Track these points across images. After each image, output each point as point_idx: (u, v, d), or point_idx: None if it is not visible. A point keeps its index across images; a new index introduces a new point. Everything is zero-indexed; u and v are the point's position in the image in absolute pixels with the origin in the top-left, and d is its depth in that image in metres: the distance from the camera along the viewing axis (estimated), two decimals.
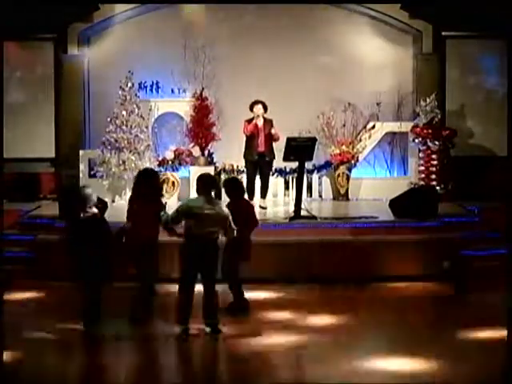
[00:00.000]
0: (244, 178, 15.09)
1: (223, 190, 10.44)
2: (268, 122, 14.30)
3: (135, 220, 9.63)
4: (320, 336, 9.18)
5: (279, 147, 13.91)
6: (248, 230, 10.08)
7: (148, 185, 9.78)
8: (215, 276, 9.30)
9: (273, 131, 14.22)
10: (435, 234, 12.71)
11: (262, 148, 14.24)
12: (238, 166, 16.23)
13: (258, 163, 14.40)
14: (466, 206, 14.54)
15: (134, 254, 9.61)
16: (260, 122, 14.25)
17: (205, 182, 9.41)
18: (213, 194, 9.49)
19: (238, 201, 10.21)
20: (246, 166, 14.80)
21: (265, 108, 14.33)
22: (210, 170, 15.87)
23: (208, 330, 9.18)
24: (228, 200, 10.23)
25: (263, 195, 14.69)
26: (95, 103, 17.12)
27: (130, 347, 8.92)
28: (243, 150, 14.48)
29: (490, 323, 9.33)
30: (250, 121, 14.32)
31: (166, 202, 10.23)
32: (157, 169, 16.05)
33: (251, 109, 14.34)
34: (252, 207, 10.71)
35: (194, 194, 15.55)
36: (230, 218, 9.38)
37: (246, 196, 11.04)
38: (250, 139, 14.29)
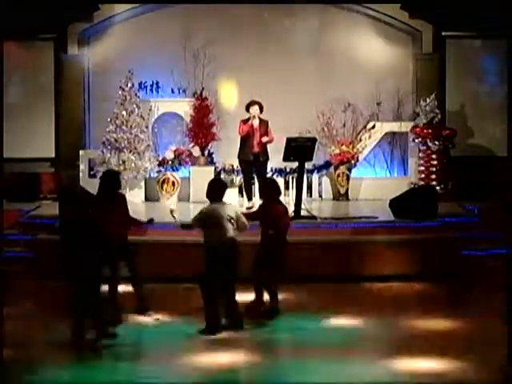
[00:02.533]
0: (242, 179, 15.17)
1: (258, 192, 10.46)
2: (264, 123, 14.25)
3: (104, 222, 9.79)
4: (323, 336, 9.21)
5: (277, 148, 13.91)
6: (282, 232, 10.06)
7: (111, 186, 10.00)
8: (236, 276, 9.31)
9: (265, 139, 14.15)
10: (435, 234, 12.72)
11: (256, 149, 14.18)
12: (237, 166, 16.22)
13: (253, 164, 14.32)
14: (466, 206, 14.54)
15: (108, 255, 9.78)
16: (256, 123, 14.20)
17: (217, 188, 9.41)
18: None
19: (273, 204, 10.15)
20: (240, 167, 14.79)
21: (261, 109, 14.27)
22: (210, 170, 15.91)
23: (231, 327, 9.24)
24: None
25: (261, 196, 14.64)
26: (95, 103, 17.12)
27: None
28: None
29: (490, 323, 9.34)
30: (245, 121, 14.28)
31: None
32: (156, 169, 16.11)
33: (247, 109, 14.30)
34: (286, 211, 10.48)
35: (194, 194, 15.73)
36: (240, 213, 9.48)
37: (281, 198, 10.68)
38: (245, 139, 14.25)
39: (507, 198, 13.60)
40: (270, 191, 10.20)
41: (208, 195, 9.38)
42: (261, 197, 10.47)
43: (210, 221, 9.25)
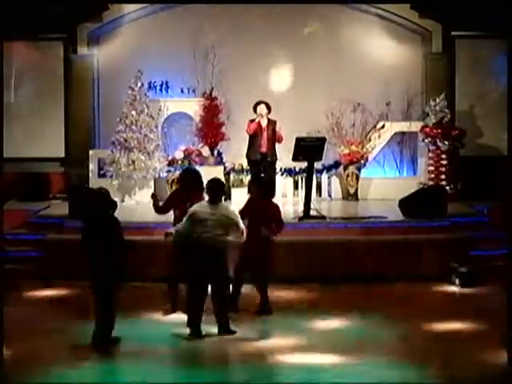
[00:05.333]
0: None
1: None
2: (272, 123, 14.15)
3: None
4: (330, 336, 9.23)
5: (287, 148, 13.92)
6: (270, 231, 10.14)
7: (190, 183, 10.29)
8: (225, 277, 9.30)
9: (277, 128, 14.10)
10: (444, 234, 12.71)
11: (264, 148, 14.10)
12: (247, 166, 16.22)
13: (261, 163, 14.28)
14: (476, 206, 14.53)
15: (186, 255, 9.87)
16: (264, 122, 14.15)
17: (210, 187, 9.51)
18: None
19: (258, 200, 10.25)
20: (249, 166, 14.79)
21: (268, 108, 14.20)
22: (219, 169, 15.91)
23: (220, 330, 9.23)
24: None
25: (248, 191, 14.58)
26: (105, 103, 17.16)
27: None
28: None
29: (493, 324, 9.33)
30: (253, 121, 14.25)
31: None
32: (166, 169, 16.11)
33: (254, 109, 14.21)
34: (275, 208, 10.46)
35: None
36: (239, 220, 9.40)
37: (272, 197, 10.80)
38: (253, 139, 14.18)
39: (507, 197, 13.57)
40: (256, 187, 10.39)
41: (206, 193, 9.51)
42: (248, 192, 10.62)
43: (194, 221, 9.21)
